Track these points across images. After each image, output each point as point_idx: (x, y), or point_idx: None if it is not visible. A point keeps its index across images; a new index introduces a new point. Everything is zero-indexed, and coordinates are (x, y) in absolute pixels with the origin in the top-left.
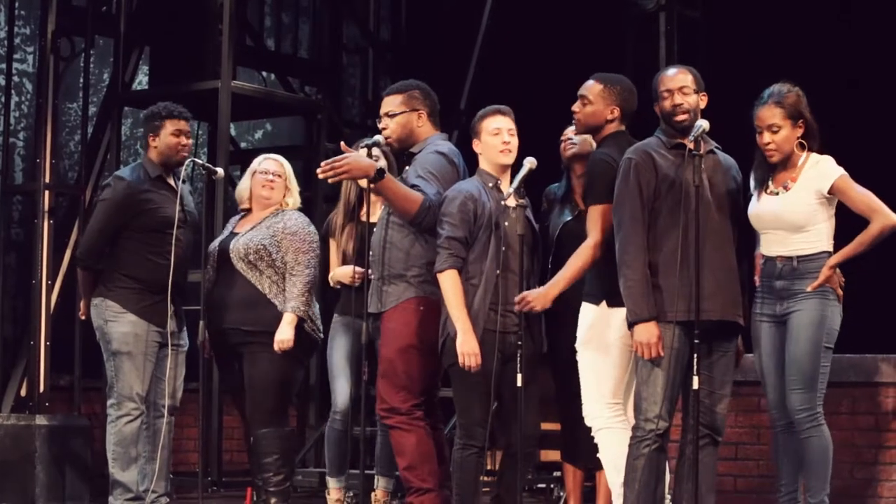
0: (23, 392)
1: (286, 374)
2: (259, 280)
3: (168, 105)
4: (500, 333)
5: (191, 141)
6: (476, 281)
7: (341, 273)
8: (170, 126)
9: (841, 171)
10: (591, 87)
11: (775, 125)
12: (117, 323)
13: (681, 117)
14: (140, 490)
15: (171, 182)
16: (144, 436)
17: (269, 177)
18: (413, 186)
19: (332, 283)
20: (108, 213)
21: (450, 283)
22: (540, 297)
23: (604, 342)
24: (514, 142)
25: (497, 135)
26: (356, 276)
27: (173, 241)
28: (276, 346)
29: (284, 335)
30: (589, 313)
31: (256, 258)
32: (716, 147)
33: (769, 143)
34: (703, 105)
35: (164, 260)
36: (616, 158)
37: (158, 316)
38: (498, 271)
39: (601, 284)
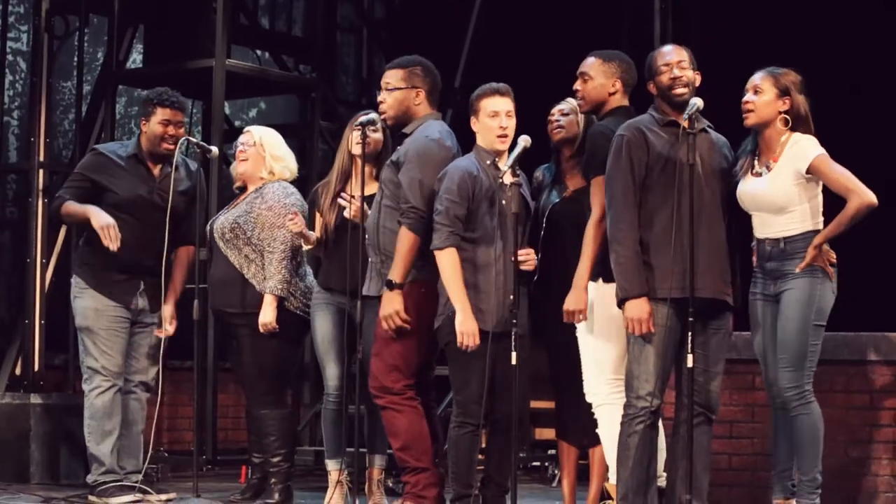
0: (17, 371)
1: (275, 355)
2: (238, 259)
3: (165, 92)
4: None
5: (181, 130)
6: (480, 262)
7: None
8: (160, 114)
9: (819, 150)
10: (591, 64)
11: (759, 87)
12: (80, 298)
13: (680, 90)
14: (117, 464)
15: (151, 164)
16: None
17: (241, 148)
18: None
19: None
20: (74, 173)
21: (449, 261)
22: (576, 299)
23: (603, 319)
24: (512, 124)
25: (495, 117)
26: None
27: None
28: (260, 329)
29: (265, 317)
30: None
31: (232, 236)
32: (708, 126)
33: (747, 103)
34: (697, 83)
35: (133, 238)
36: (615, 130)
37: (123, 293)
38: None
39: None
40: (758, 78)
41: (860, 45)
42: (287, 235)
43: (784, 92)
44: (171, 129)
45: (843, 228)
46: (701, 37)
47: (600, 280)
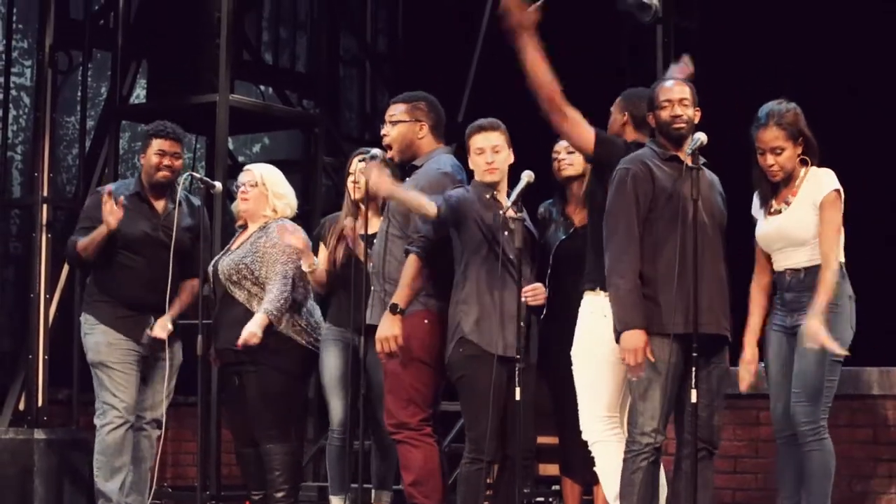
0: (21, 406)
1: (283, 390)
2: (247, 299)
3: (158, 124)
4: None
5: (178, 162)
6: (484, 295)
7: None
8: (155, 145)
9: (835, 185)
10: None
11: (778, 147)
12: (91, 335)
13: (679, 125)
14: (124, 501)
15: (153, 200)
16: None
17: (243, 188)
18: (408, 214)
19: (315, 285)
20: (80, 220)
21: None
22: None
23: (598, 355)
24: (500, 157)
25: (481, 154)
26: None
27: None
28: (241, 340)
29: (250, 328)
30: (587, 311)
31: (240, 277)
32: (704, 163)
33: (773, 165)
34: (696, 120)
35: (138, 275)
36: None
37: (133, 329)
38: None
39: (598, 268)
40: (770, 137)
41: (864, 79)
42: (288, 270)
43: (797, 136)
44: (166, 160)
45: (829, 293)
46: (703, 70)
47: (600, 291)
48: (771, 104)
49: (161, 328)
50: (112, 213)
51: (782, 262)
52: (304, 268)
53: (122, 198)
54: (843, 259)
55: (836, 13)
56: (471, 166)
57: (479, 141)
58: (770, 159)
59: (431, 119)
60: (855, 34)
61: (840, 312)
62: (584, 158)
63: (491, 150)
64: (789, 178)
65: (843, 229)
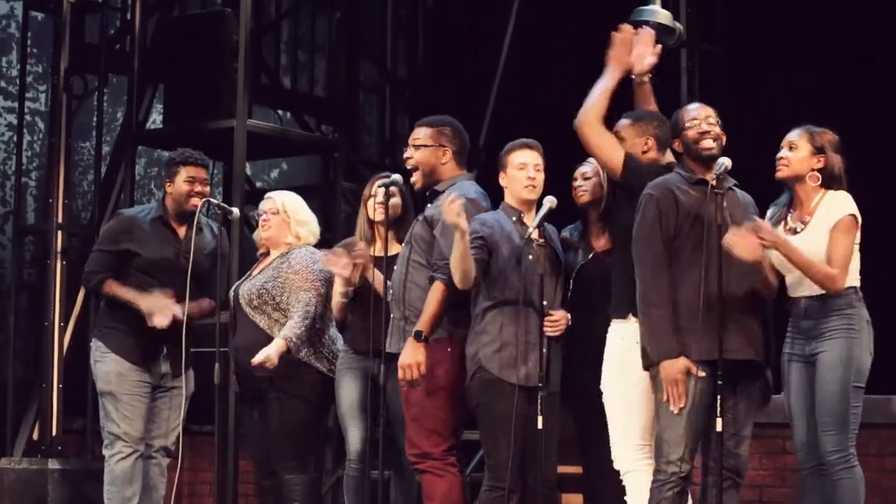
0: (35, 436)
1: (304, 419)
2: (269, 324)
3: (186, 151)
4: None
5: (207, 188)
6: (507, 320)
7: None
8: (184, 172)
9: (851, 210)
10: (623, 125)
11: (795, 144)
12: (102, 363)
13: (707, 143)
14: None
15: (176, 226)
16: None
17: (264, 216)
18: (433, 240)
19: (336, 315)
20: (99, 241)
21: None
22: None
23: (630, 381)
24: (540, 178)
25: (523, 169)
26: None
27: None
28: (255, 360)
29: (267, 352)
30: (616, 338)
31: (261, 302)
32: (735, 184)
33: (782, 158)
34: (723, 141)
35: None
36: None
37: (144, 358)
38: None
39: (626, 294)
40: (794, 135)
41: (892, 103)
42: (311, 299)
43: (819, 150)
44: (197, 187)
45: (803, 264)
46: (727, 95)
47: (631, 317)
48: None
49: (164, 316)
50: (161, 320)
51: (797, 289)
52: (337, 297)
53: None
54: (858, 284)
55: (865, 38)
56: (504, 184)
57: (522, 156)
58: (783, 152)
59: (456, 145)
60: (885, 60)
61: (858, 339)
62: (612, 180)
63: (533, 167)
64: (805, 199)
65: (857, 253)
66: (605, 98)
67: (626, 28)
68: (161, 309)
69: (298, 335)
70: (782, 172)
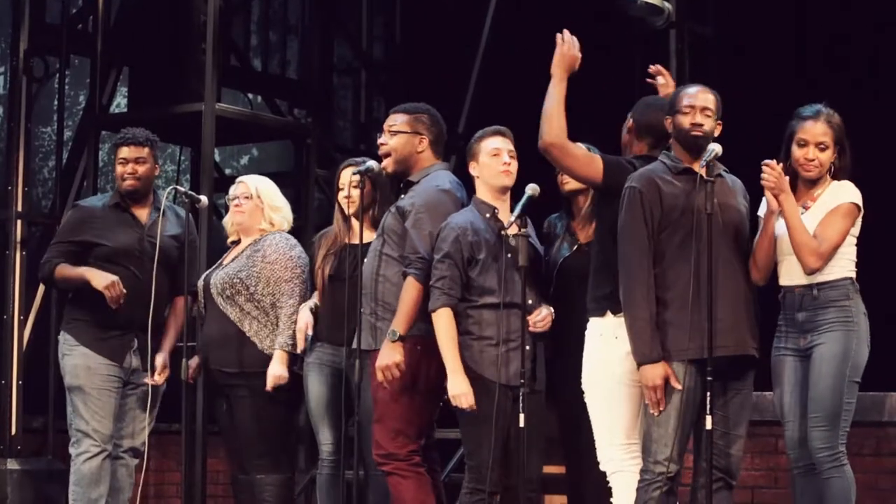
0: None
1: (275, 418)
2: (239, 316)
3: (124, 131)
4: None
5: (142, 167)
6: (487, 319)
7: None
8: (119, 154)
9: (853, 197)
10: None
11: (824, 143)
12: (70, 356)
13: (697, 133)
14: None
15: (135, 210)
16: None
17: (236, 201)
18: (405, 232)
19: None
20: (58, 234)
21: (443, 322)
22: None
23: (611, 379)
24: (514, 164)
25: (497, 155)
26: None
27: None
28: (269, 383)
29: (276, 370)
30: (595, 335)
31: (233, 292)
32: (724, 170)
33: (813, 160)
34: (716, 134)
35: (127, 291)
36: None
37: (114, 351)
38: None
39: (604, 291)
40: (820, 131)
41: (887, 85)
42: (296, 288)
43: (839, 144)
44: (129, 167)
45: (794, 227)
46: (719, 77)
47: (608, 314)
48: (817, 105)
49: (160, 373)
50: (113, 300)
51: (792, 277)
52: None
53: (124, 291)
54: (854, 275)
55: (855, 18)
56: (476, 173)
57: (495, 142)
58: (812, 153)
59: (433, 133)
60: (875, 40)
61: (856, 331)
62: (595, 189)
63: (507, 152)
64: (813, 182)
65: (854, 245)
66: (560, 109)
67: (564, 33)
68: (110, 280)
69: (290, 335)
70: (813, 174)
